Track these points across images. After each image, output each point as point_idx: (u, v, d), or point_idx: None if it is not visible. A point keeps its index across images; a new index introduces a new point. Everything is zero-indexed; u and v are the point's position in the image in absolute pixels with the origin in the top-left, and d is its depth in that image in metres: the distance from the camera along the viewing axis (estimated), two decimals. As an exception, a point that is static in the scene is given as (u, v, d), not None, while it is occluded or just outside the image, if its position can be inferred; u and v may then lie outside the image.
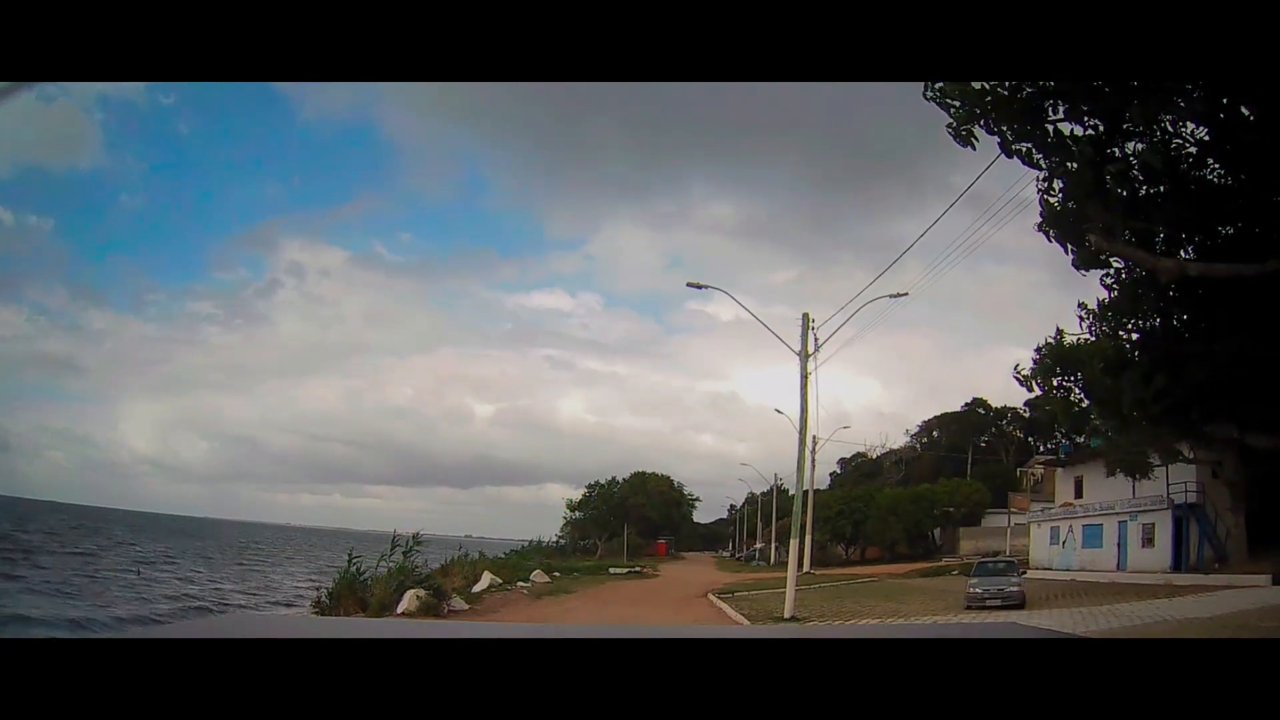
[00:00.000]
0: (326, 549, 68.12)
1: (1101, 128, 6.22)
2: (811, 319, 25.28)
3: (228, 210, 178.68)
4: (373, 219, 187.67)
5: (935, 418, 74.95)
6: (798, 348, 24.97)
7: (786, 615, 21.41)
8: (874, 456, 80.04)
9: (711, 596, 29.54)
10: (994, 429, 71.47)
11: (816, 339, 25.18)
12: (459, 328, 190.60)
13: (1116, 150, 6.23)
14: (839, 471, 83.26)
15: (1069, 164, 6.42)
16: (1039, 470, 52.00)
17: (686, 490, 79.19)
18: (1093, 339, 7.98)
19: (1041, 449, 56.69)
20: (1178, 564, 31.15)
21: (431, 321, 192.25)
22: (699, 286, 26.45)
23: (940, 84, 6.25)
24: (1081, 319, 7.94)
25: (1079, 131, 6.44)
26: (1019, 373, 11.22)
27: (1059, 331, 8.53)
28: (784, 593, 22.56)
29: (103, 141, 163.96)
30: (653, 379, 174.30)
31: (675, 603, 27.98)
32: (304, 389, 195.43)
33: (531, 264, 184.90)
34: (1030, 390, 11.65)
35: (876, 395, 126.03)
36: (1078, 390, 9.74)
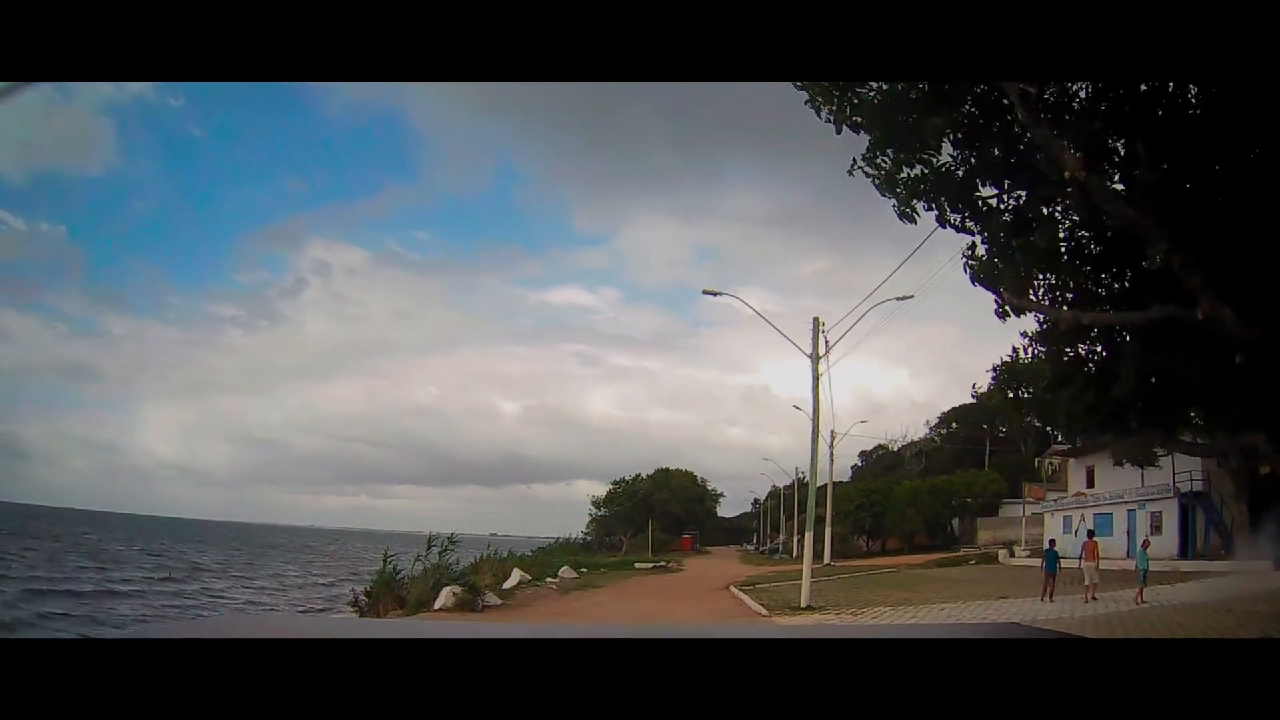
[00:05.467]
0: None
1: (1022, 199, 7.54)
2: (822, 322, 26.48)
3: (248, 210, 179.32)
4: (399, 214, 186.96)
5: (954, 409, 75.30)
6: (812, 348, 26.33)
7: (803, 605, 22.54)
8: (895, 449, 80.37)
9: (733, 588, 30.43)
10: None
11: (827, 341, 26.42)
12: (483, 325, 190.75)
13: (1038, 214, 7.54)
14: (860, 464, 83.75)
15: (993, 230, 7.75)
16: (1056, 460, 52.56)
17: (710, 485, 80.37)
18: (1035, 359, 9.33)
19: (1059, 439, 57.06)
20: (1184, 551, 31.97)
21: (455, 319, 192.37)
22: (714, 294, 27.55)
23: (887, 170, 7.53)
24: (1025, 346, 9.33)
25: (1004, 202, 7.78)
26: (975, 390, 12.63)
27: (1015, 351, 9.82)
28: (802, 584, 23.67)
29: (115, 146, 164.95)
30: (682, 373, 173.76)
31: (698, 595, 28.91)
32: (327, 390, 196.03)
33: (558, 258, 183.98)
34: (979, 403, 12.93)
35: (906, 385, 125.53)
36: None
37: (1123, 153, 6.67)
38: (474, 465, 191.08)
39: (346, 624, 5.05)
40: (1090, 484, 39.59)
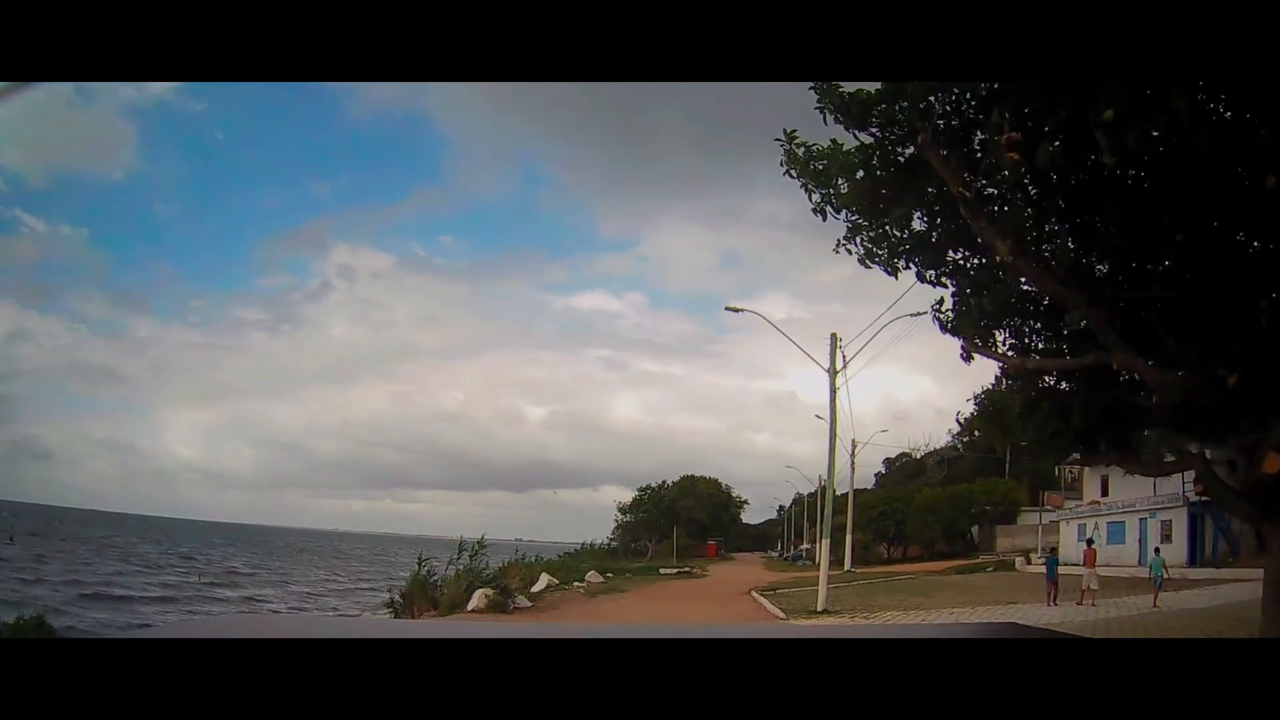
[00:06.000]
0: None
1: (983, 261, 8.85)
2: (839, 338, 27.71)
3: (271, 214, 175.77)
4: (423, 218, 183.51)
5: (975, 417, 75.11)
6: (830, 363, 27.55)
7: (819, 608, 23.64)
8: (918, 456, 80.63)
9: (754, 593, 31.39)
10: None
11: (844, 356, 27.64)
12: (508, 330, 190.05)
13: (993, 276, 8.85)
14: (884, 471, 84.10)
15: (961, 285, 9.11)
16: (1074, 469, 53.02)
17: (735, 492, 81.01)
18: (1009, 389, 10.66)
19: (1078, 448, 57.22)
20: (1193, 558, 32.70)
21: (480, 324, 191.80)
22: (736, 310, 28.90)
23: (866, 248, 8.90)
24: (999, 378, 10.66)
25: (969, 263, 9.10)
26: (959, 417, 14.13)
27: (996, 380, 11.13)
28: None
29: (137, 150, 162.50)
30: (708, 379, 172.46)
31: (720, 599, 29.89)
32: (351, 394, 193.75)
33: (583, 263, 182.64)
34: (966, 432, 14.36)
35: (930, 392, 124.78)
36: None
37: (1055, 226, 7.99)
38: (499, 470, 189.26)
39: (348, 624, 5.07)
40: (1105, 492, 40.31)
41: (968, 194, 7.45)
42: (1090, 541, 28.56)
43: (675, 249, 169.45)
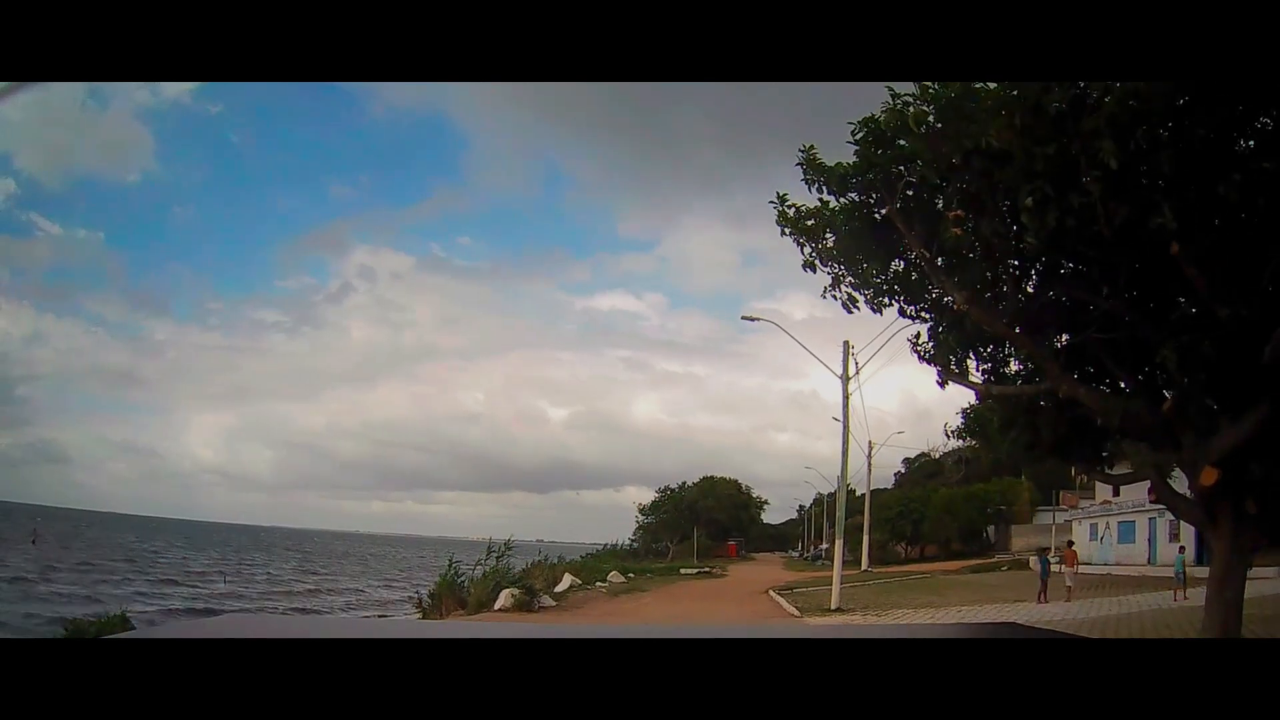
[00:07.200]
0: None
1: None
2: (852, 345, 28.64)
3: (290, 216, 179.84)
4: (444, 219, 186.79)
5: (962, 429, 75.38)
6: (843, 369, 28.47)
7: (833, 607, 24.63)
8: (936, 456, 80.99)
9: (771, 592, 32.14)
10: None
11: (857, 362, 28.56)
12: (529, 330, 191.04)
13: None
14: (903, 471, 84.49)
15: (937, 319, 10.25)
16: (1089, 469, 53.01)
17: (755, 493, 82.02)
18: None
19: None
20: (1200, 557, 33.23)
21: (501, 324, 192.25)
22: (752, 319, 29.93)
23: (857, 281, 10.05)
24: (980, 395, 11.75)
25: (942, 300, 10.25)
26: (947, 429, 15.32)
27: (980, 398, 12.19)
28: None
29: (153, 152, 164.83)
30: (729, 378, 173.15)
31: (738, 598, 30.75)
32: (372, 395, 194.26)
33: (604, 263, 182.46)
34: (957, 440, 15.60)
35: (952, 390, 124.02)
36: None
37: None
38: (521, 470, 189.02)
39: (348, 624, 4.78)
40: (1116, 493, 40.80)
41: (928, 254, 8.68)
42: (1071, 543, 30.89)
43: (697, 248, 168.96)
